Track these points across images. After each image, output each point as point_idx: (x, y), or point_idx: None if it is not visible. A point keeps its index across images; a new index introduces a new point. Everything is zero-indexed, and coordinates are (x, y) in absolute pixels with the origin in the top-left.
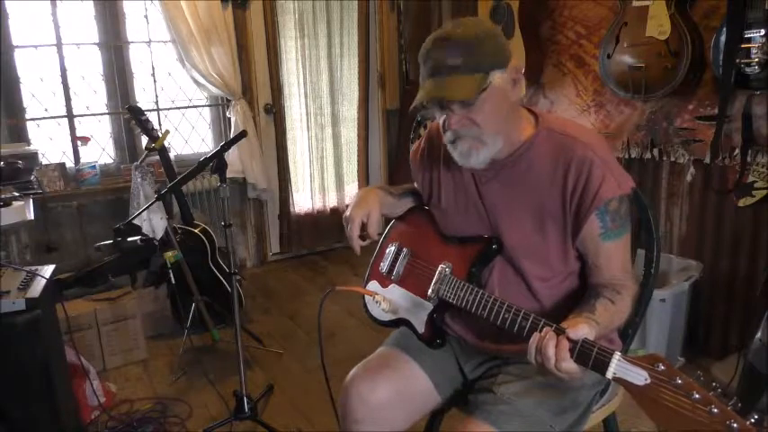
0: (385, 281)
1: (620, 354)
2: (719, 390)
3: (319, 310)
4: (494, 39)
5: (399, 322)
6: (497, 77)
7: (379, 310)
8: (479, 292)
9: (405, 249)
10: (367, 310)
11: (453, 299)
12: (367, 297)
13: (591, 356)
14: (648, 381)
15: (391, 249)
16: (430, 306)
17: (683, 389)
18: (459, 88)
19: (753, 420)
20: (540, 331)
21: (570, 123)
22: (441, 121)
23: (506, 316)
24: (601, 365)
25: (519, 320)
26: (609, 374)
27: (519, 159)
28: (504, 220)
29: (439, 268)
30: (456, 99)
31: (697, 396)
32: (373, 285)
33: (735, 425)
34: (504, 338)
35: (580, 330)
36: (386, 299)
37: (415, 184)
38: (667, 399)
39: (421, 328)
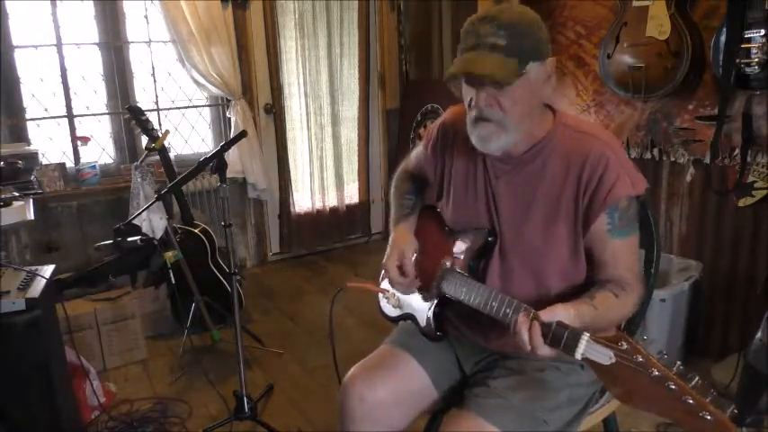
0: None
1: (588, 334)
2: (682, 368)
3: (331, 308)
4: (538, 30)
5: (405, 317)
6: (534, 69)
7: (390, 307)
8: (474, 285)
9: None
10: (380, 308)
11: (452, 292)
12: (380, 295)
13: (563, 339)
14: (613, 360)
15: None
16: (432, 300)
17: (644, 366)
18: (498, 69)
19: (695, 383)
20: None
21: (586, 122)
22: (466, 101)
23: (494, 304)
24: (571, 347)
25: (504, 308)
26: (578, 355)
27: (536, 156)
28: (515, 215)
29: (440, 264)
30: (494, 79)
31: (656, 374)
32: (385, 284)
33: (690, 401)
34: (507, 337)
35: (553, 314)
36: (394, 295)
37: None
38: (629, 377)
39: (423, 322)
